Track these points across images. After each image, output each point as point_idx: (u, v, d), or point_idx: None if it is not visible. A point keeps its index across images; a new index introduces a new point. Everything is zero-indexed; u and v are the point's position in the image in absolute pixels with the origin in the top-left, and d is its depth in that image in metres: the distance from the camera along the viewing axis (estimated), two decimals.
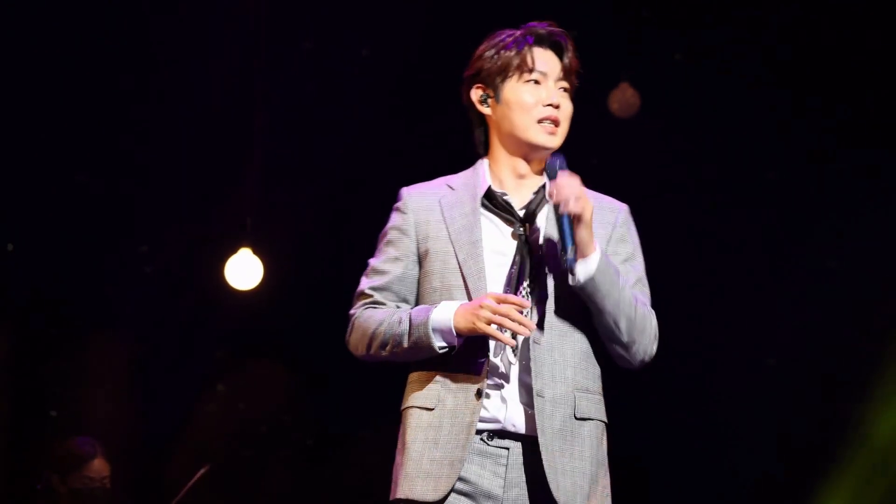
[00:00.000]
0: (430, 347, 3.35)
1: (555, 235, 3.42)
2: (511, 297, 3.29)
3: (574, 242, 3.32)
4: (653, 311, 3.48)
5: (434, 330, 3.34)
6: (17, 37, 7.06)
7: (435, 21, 7.03)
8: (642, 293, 3.49)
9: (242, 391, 8.03)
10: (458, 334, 3.33)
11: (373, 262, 3.56)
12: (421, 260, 3.50)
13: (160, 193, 7.57)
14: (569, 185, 3.34)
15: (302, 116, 7.55)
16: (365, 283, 3.54)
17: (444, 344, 3.35)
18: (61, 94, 7.26)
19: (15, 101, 7.15)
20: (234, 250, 7.53)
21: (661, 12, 7.29)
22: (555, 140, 3.50)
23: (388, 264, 3.52)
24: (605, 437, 3.46)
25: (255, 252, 7.52)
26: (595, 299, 3.35)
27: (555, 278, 3.41)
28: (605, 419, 3.46)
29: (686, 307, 6.83)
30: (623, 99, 7.31)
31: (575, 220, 3.32)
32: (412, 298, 3.51)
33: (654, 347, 3.47)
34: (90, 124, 7.35)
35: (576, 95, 3.58)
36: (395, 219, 3.56)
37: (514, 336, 3.33)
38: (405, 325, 3.39)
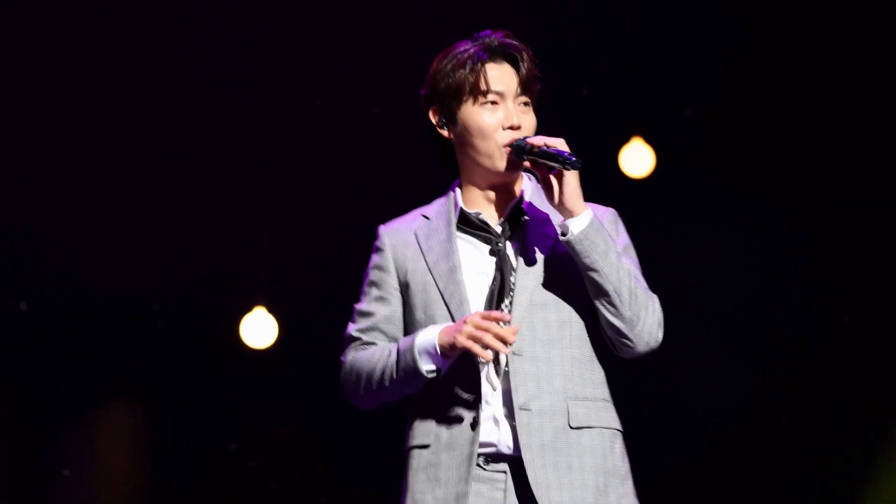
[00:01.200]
0: (418, 372, 3.22)
1: (534, 244, 3.32)
2: (493, 312, 3.17)
3: (572, 154, 3.19)
4: (655, 296, 3.31)
5: (420, 353, 3.21)
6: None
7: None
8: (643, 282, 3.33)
9: (255, 448, 8.00)
10: (443, 354, 3.20)
11: (358, 305, 3.44)
12: (403, 295, 3.38)
13: (173, 249, 7.58)
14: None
15: (313, 172, 7.56)
16: (352, 328, 3.42)
17: (432, 367, 3.22)
18: (79, 155, 7.32)
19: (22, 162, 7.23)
20: (248, 308, 7.54)
21: (671, 68, 7.32)
22: (519, 165, 3.33)
23: (373, 305, 3.40)
24: (616, 445, 3.29)
25: (270, 311, 7.54)
26: (592, 258, 3.20)
27: (537, 287, 3.28)
28: (613, 426, 3.30)
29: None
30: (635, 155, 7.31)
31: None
32: (401, 336, 3.37)
33: (661, 334, 3.27)
34: (105, 176, 7.39)
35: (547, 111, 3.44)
36: (374, 258, 3.44)
37: (496, 354, 3.20)
38: (393, 356, 3.27)
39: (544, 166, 3.24)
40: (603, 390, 3.32)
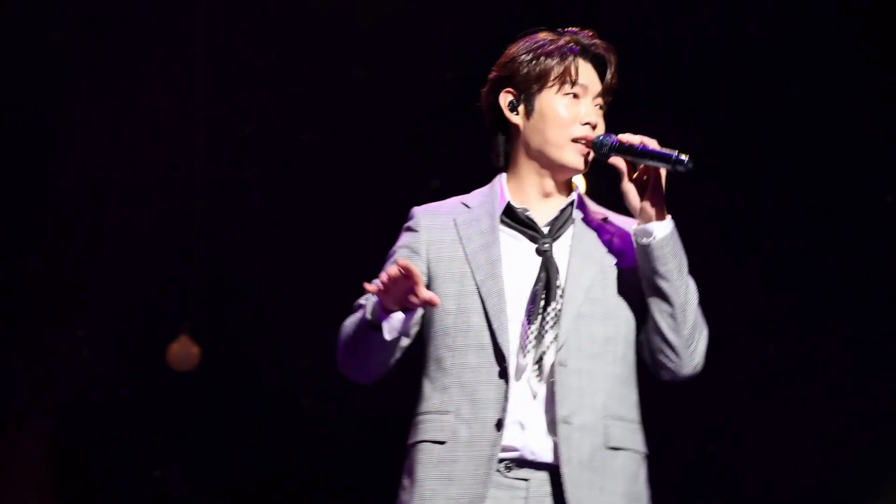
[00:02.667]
0: (366, 319, 3.10)
1: (584, 252, 3.23)
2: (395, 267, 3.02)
3: (681, 154, 3.08)
4: (706, 327, 3.24)
5: (375, 305, 3.10)
6: None
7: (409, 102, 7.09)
8: None
9: (183, 473, 7.98)
10: (383, 306, 3.08)
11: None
12: (431, 281, 3.23)
13: (100, 276, 7.56)
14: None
15: (242, 199, 7.58)
16: (360, 298, 3.25)
17: (375, 319, 3.10)
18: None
19: None
20: (173, 335, 7.54)
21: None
22: (585, 162, 3.26)
23: None
24: (642, 470, 3.22)
25: (193, 337, 7.54)
26: (669, 267, 3.12)
27: (586, 299, 3.19)
28: (642, 449, 3.23)
29: None
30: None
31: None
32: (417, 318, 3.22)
33: (703, 364, 3.23)
34: (39, 205, 7.38)
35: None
36: (405, 237, 3.30)
37: (539, 362, 3.13)
38: (362, 312, 3.16)
39: (630, 165, 3.17)
40: (636, 412, 3.25)
